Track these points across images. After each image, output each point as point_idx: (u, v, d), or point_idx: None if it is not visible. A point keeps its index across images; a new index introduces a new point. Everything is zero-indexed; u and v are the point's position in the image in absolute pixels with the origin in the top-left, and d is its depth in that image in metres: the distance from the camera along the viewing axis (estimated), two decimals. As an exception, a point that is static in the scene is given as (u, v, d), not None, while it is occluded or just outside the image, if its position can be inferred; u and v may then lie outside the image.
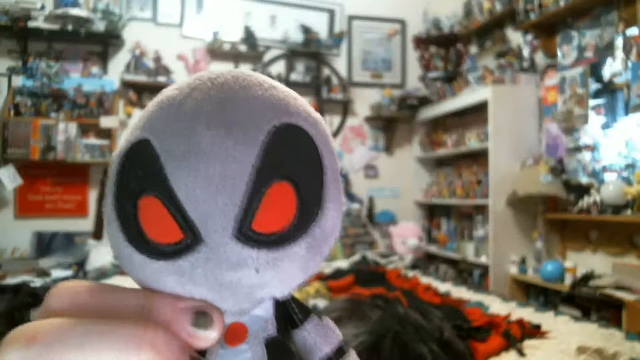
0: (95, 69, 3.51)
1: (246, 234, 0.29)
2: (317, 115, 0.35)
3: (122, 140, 0.32)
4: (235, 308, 0.32)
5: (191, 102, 0.31)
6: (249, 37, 3.79)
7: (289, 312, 0.36)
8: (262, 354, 0.34)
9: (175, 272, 0.30)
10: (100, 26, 3.41)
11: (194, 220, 0.29)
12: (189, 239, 0.29)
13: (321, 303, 1.77)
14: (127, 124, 3.58)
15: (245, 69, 0.34)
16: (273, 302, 0.35)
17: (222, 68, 3.85)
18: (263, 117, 0.31)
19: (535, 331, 1.55)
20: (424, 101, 3.96)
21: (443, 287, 2.34)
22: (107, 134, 3.37)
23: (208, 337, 0.28)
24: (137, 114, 3.58)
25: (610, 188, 2.47)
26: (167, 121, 0.31)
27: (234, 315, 0.33)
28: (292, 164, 0.31)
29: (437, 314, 1.37)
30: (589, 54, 2.76)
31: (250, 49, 3.80)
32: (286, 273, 0.32)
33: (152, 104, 0.33)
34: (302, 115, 0.33)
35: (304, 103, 0.34)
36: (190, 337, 0.27)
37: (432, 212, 4.21)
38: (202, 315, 0.29)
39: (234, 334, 0.32)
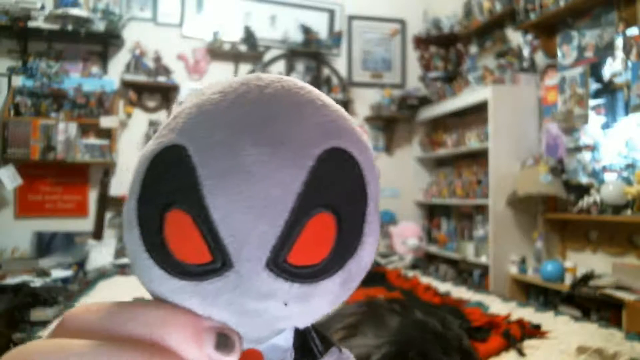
0: (95, 69, 3.51)
1: (280, 265, 0.27)
2: (365, 137, 0.32)
3: (153, 140, 0.30)
4: (254, 335, 0.30)
5: (236, 111, 0.28)
6: (249, 37, 3.79)
7: (309, 343, 0.34)
8: None
9: (198, 294, 0.27)
10: (100, 26, 3.41)
11: (228, 245, 0.27)
12: (219, 263, 0.27)
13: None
14: (127, 124, 3.58)
15: (294, 79, 0.32)
16: (294, 331, 0.32)
17: (222, 68, 3.82)
18: (313, 140, 0.28)
19: (535, 331, 1.55)
20: (424, 101, 3.96)
21: (443, 287, 2.34)
22: (107, 134, 3.36)
23: None
24: (138, 114, 3.59)
25: (610, 188, 2.47)
26: (208, 129, 0.28)
27: (250, 342, 0.30)
28: (337, 193, 0.28)
29: (454, 320, 1.36)
30: (589, 54, 2.76)
31: (250, 49, 3.80)
32: (315, 307, 0.30)
33: (191, 105, 0.30)
34: (352, 139, 0.30)
35: (354, 124, 0.32)
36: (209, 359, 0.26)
37: (432, 212, 4.21)
38: (224, 337, 0.27)
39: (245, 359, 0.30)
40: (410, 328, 1.19)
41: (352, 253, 0.29)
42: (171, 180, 0.27)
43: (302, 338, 0.33)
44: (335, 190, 0.28)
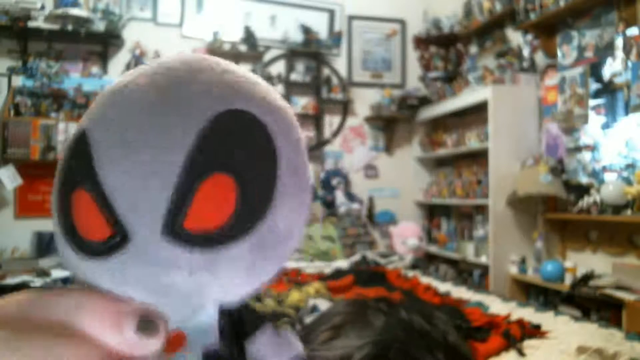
0: (95, 69, 3.51)
1: (177, 232, 0.26)
2: (280, 103, 0.31)
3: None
4: (176, 315, 0.29)
5: (132, 87, 0.28)
6: (249, 37, 3.79)
7: (238, 321, 0.32)
8: None
9: (107, 271, 0.27)
10: (100, 26, 3.41)
11: (122, 215, 0.26)
12: (118, 236, 0.27)
13: (321, 303, 1.77)
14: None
15: (205, 55, 0.31)
16: (219, 310, 0.31)
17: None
18: (206, 102, 0.28)
19: (535, 331, 1.55)
20: (424, 101, 3.96)
21: (443, 287, 2.34)
22: (107, 134, 3.37)
23: (150, 345, 0.25)
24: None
25: (610, 188, 2.47)
26: (104, 109, 0.29)
27: (175, 324, 0.29)
28: (234, 154, 0.27)
29: (442, 316, 1.36)
30: (589, 54, 2.76)
31: (250, 49, 3.80)
32: (227, 278, 0.28)
33: (100, 94, 0.30)
34: (256, 101, 0.29)
35: (266, 90, 0.31)
36: (130, 345, 0.25)
37: (432, 212, 4.21)
38: (147, 320, 0.26)
39: (170, 342, 0.28)
40: (394, 327, 1.19)
41: (260, 216, 0.28)
42: (75, 163, 0.28)
43: (232, 318, 0.32)
44: (232, 151, 0.27)
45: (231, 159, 0.27)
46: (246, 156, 0.28)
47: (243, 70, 0.32)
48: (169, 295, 0.28)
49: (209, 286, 0.28)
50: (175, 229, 0.26)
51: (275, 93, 0.32)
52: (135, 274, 0.27)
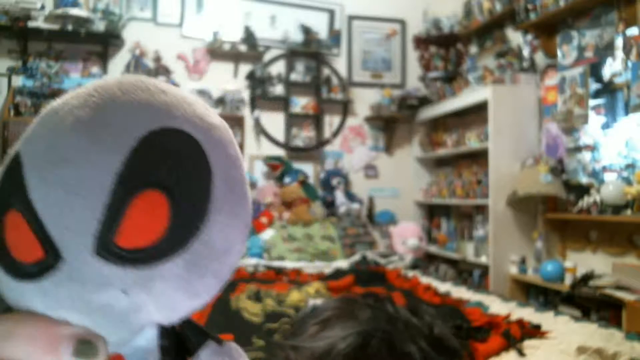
0: (95, 69, 3.51)
1: (109, 250, 0.26)
2: (215, 120, 0.31)
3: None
4: (114, 337, 0.28)
5: (66, 107, 0.29)
6: (249, 37, 3.79)
7: (181, 340, 0.32)
8: None
9: (39, 293, 0.26)
10: (100, 26, 3.41)
11: (54, 235, 0.26)
12: (51, 257, 0.26)
13: (319, 304, 1.77)
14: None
15: (143, 76, 0.32)
16: (158, 329, 0.30)
17: (222, 68, 3.83)
18: (137, 121, 0.28)
19: (535, 331, 1.55)
20: (424, 101, 3.96)
21: (443, 287, 2.34)
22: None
23: None
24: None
25: (610, 188, 2.47)
26: (36, 130, 0.29)
27: (113, 346, 0.28)
28: (165, 171, 0.27)
29: (430, 311, 1.37)
30: (589, 54, 2.76)
31: (250, 49, 3.80)
32: (163, 296, 0.28)
33: (38, 115, 0.31)
34: (189, 120, 0.29)
35: (202, 109, 0.31)
36: None
37: (432, 212, 4.21)
38: (85, 343, 0.25)
39: None
40: (379, 319, 1.20)
41: (194, 232, 0.27)
42: (7, 183, 0.28)
43: (174, 337, 0.31)
44: (163, 168, 0.27)
45: (162, 175, 0.27)
46: (178, 173, 0.27)
47: (181, 91, 0.32)
48: (104, 316, 0.27)
49: (145, 305, 0.28)
50: (107, 247, 0.26)
51: (212, 112, 0.32)
52: (69, 295, 0.26)
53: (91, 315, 0.27)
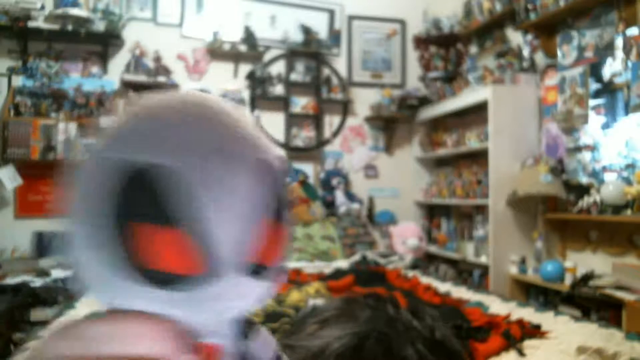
0: (95, 69, 3.51)
1: (250, 267, 0.32)
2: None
3: (109, 157, 0.30)
4: (213, 329, 0.33)
5: (205, 134, 0.32)
6: (249, 37, 3.79)
7: (242, 326, 0.39)
8: None
9: (184, 301, 0.30)
10: (100, 26, 3.41)
11: (216, 253, 0.30)
12: (207, 272, 0.30)
13: (321, 303, 1.77)
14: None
15: (228, 103, 0.36)
16: (238, 320, 0.38)
17: (222, 68, 3.83)
18: (263, 155, 0.35)
19: (535, 331, 1.55)
20: (424, 101, 3.96)
21: (443, 287, 2.34)
22: (107, 134, 3.36)
23: None
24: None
25: (610, 188, 2.47)
26: (184, 151, 0.30)
27: (208, 336, 0.33)
28: (284, 204, 0.35)
29: (432, 313, 1.36)
30: (589, 54, 2.76)
31: (250, 49, 3.80)
32: (265, 300, 0.35)
33: (147, 124, 0.31)
34: (273, 153, 0.36)
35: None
36: None
37: (432, 212, 4.21)
38: (189, 338, 0.30)
39: (210, 356, 0.32)
40: (377, 320, 1.20)
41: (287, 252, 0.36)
42: (161, 199, 0.29)
43: (239, 322, 0.38)
44: (285, 202, 0.35)
45: (284, 208, 0.35)
46: (286, 205, 0.36)
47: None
48: (222, 315, 0.33)
49: (253, 307, 0.35)
50: (255, 266, 0.32)
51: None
52: (210, 304, 0.31)
53: (215, 316, 0.33)
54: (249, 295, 0.32)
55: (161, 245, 0.29)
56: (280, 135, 3.92)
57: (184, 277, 0.29)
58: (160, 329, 0.28)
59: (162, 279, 0.29)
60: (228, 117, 0.33)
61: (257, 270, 0.32)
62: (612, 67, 2.59)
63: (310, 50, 3.92)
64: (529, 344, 1.44)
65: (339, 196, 3.82)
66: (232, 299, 0.31)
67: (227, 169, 0.31)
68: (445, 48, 3.90)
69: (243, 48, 3.80)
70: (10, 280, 2.61)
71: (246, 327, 0.38)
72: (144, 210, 0.29)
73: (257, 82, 3.79)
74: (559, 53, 2.98)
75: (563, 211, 2.87)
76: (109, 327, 0.27)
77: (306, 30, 3.91)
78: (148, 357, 0.26)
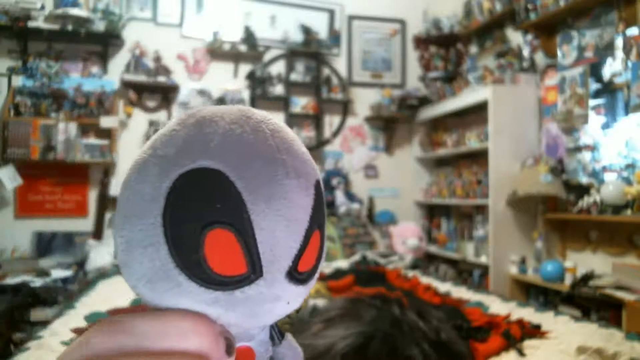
0: (95, 69, 3.51)
1: (294, 273, 0.34)
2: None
3: (165, 159, 0.32)
4: (249, 332, 0.35)
5: (261, 145, 0.34)
6: (249, 37, 3.79)
7: (272, 333, 0.41)
8: None
9: (227, 302, 0.32)
10: (100, 26, 3.41)
11: (263, 257, 0.32)
12: (252, 274, 0.32)
13: (321, 303, 1.77)
14: (127, 124, 3.58)
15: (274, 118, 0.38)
16: (270, 326, 0.39)
17: (222, 68, 3.83)
18: (313, 171, 0.37)
19: (535, 331, 1.55)
20: (424, 101, 3.96)
21: (443, 287, 2.34)
22: (107, 134, 3.36)
23: None
24: (138, 114, 3.59)
25: (610, 188, 2.47)
26: (243, 159, 0.33)
27: (242, 340, 0.35)
28: (322, 214, 0.37)
29: (437, 314, 1.36)
30: (589, 54, 2.76)
31: (250, 49, 3.80)
32: (299, 304, 0.37)
33: (209, 130, 0.34)
34: (317, 169, 0.39)
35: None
36: None
37: (432, 212, 4.21)
38: (228, 340, 0.31)
39: (243, 358, 0.35)
40: (383, 320, 1.20)
41: (323, 260, 0.38)
42: (215, 202, 0.31)
43: (269, 329, 0.40)
44: (322, 211, 0.37)
45: (321, 217, 0.37)
46: (324, 215, 0.38)
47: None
48: (258, 318, 0.34)
49: (287, 311, 0.36)
50: (294, 270, 0.34)
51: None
52: (251, 305, 0.33)
53: (250, 318, 0.34)
54: (288, 299, 0.33)
55: (213, 247, 0.31)
56: (280, 135, 3.91)
57: (230, 277, 0.31)
58: (208, 327, 0.30)
59: (210, 279, 0.31)
60: (286, 134, 0.35)
61: (296, 275, 0.33)
62: (612, 67, 2.59)
63: (310, 50, 3.92)
64: (529, 344, 1.44)
65: (339, 196, 3.82)
66: (272, 301, 0.33)
67: (280, 179, 0.33)
68: (445, 48, 3.90)
69: (243, 48, 3.80)
70: (10, 280, 2.61)
71: (277, 333, 0.40)
72: (194, 211, 0.31)
73: (257, 82, 3.79)
74: (559, 53, 2.98)
75: (563, 211, 2.87)
76: (157, 323, 0.28)
77: (306, 30, 3.91)
78: (199, 353, 0.28)
